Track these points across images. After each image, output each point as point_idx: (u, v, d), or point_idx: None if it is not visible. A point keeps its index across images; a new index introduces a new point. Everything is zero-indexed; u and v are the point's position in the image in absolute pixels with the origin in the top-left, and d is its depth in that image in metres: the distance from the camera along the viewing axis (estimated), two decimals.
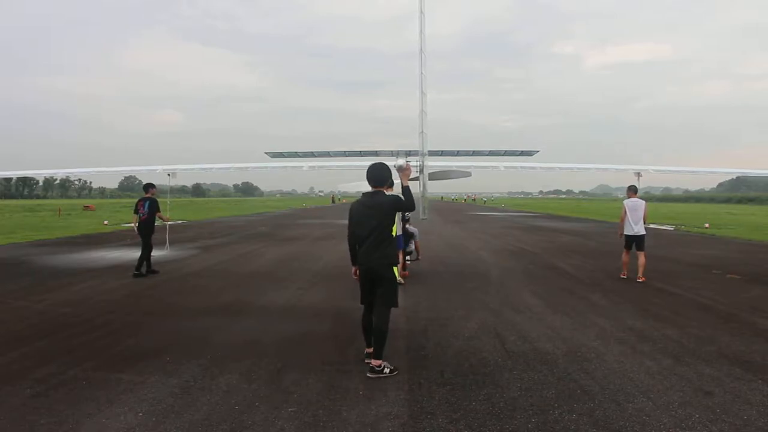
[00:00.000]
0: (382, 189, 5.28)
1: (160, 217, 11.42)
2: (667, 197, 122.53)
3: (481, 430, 3.82)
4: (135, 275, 10.67)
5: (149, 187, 11.52)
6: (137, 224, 11.18)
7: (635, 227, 10.35)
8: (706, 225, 26.43)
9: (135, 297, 8.79)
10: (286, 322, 7.13)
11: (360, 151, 13.68)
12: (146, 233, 11.02)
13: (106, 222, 28.93)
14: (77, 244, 17.92)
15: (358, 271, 5.30)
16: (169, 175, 14.02)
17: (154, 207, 11.15)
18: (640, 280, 10.07)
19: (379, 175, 5.27)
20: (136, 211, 11.21)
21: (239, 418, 4.01)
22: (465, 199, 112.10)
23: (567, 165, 13.70)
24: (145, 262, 10.97)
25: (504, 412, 4.11)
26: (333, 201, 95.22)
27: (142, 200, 11.22)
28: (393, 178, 6.30)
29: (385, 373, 4.90)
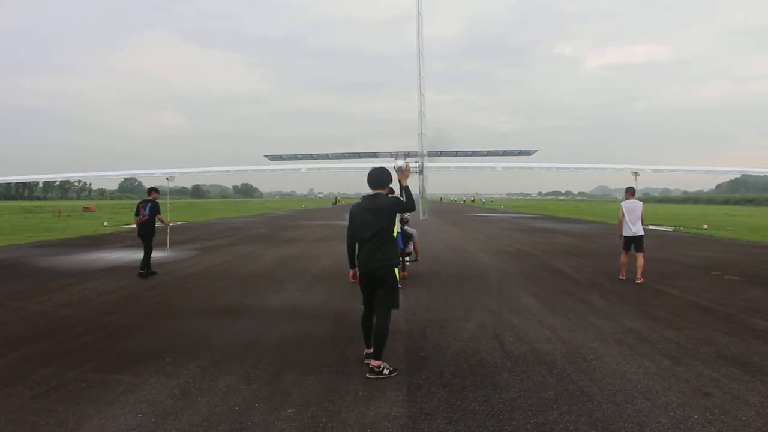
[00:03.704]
0: (381, 191, 5.32)
1: (161, 220, 11.47)
2: (666, 198, 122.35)
3: (480, 431, 3.83)
4: (140, 274, 10.79)
5: (152, 190, 11.62)
6: (138, 227, 11.23)
7: (633, 228, 10.37)
8: (705, 226, 26.46)
9: (134, 298, 8.80)
10: (286, 323, 7.14)
11: (359, 153, 13.64)
12: (148, 235, 11.07)
13: (105, 223, 28.92)
14: (77, 245, 17.92)
15: (357, 274, 5.32)
16: (167, 178, 14.05)
17: (155, 209, 11.21)
18: (638, 281, 10.09)
19: (378, 177, 5.33)
20: (137, 213, 11.25)
21: (239, 419, 4.02)
22: (464, 201, 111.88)
23: (565, 165, 13.64)
24: (141, 262, 11.02)
25: (503, 413, 4.12)
26: (335, 203, 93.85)
27: (144, 202, 11.26)
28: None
29: (385, 374, 4.91)
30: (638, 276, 10.20)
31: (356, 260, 5.29)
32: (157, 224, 11.43)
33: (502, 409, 4.19)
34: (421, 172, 10.92)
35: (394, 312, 5.27)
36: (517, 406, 4.24)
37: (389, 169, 5.58)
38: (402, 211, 5.37)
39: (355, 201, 5.83)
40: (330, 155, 14.02)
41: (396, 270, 5.19)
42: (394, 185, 5.85)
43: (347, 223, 5.41)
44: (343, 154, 13.81)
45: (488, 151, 13.41)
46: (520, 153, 13.36)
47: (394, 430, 3.86)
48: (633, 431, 3.80)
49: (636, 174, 12.59)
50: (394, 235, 5.26)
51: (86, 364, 5.27)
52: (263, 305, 8.27)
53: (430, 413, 4.12)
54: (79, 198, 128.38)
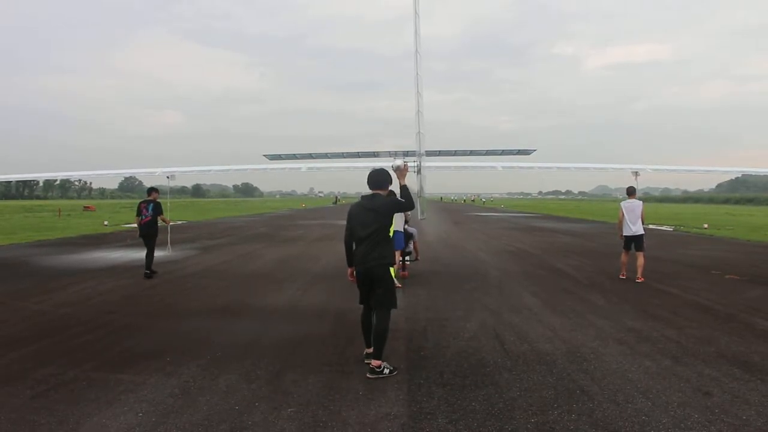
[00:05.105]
0: (380, 192, 5.35)
1: (163, 220, 11.49)
2: (666, 198, 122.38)
3: (480, 430, 3.83)
4: (146, 275, 10.79)
5: (152, 190, 11.63)
6: (140, 227, 11.22)
7: (633, 227, 10.38)
8: (705, 225, 26.44)
9: (135, 298, 8.80)
10: (286, 322, 7.14)
11: (358, 152, 13.64)
12: (151, 234, 11.07)
13: (106, 223, 28.92)
14: (77, 244, 17.93)
15: (354, 272, 5.35)
16: (168, 177, 14.09)
17: (158, 209, 11.23)
18: (639, 281, 10.08)
19: (377, 178, 5.38)
20: (139, 214, 11.23)
21: (239, 418, 4.02)
22: (465, 201, 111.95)
23: (565, 165, 13.66)
24: (145, 263, 11.01)
25: (503, 412, 4.12)
26: (335, 202, 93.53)
27: (146, 203, 11.25)
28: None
29: (385, 373, 4.91)
30: (639, 275, 10.19)
31: (354, 259, 5.32)
32: (159, 224, 11.44)
33: (502, 408, 4.19)
34: (418, 171, 10.93)
35: (394, 311, 5.28)
36: (517, 406, 4.23)
37: (389, 170, 5.61)
38: (401, 211, 5.38)
39: (355, 200, 5.84)
40: (329, 155, 14.03)
41: (392, 269, 5.21)
42: (395, 187, 5.87)
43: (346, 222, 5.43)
44: (342, 153, 13.82)
45: (487, 150, 13.42)
46: (519, 152, 13.38)
47: (395, 429, 3.85)
48: (633, 430, 3.80)
49: (636, 174, 12.59)
50: (390, 234, 5.29)
51: (86, 364, 5.27)
52: (263, 305, 8.27)
53: (430, 412, 4.12)
54: (79, 197, 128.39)
